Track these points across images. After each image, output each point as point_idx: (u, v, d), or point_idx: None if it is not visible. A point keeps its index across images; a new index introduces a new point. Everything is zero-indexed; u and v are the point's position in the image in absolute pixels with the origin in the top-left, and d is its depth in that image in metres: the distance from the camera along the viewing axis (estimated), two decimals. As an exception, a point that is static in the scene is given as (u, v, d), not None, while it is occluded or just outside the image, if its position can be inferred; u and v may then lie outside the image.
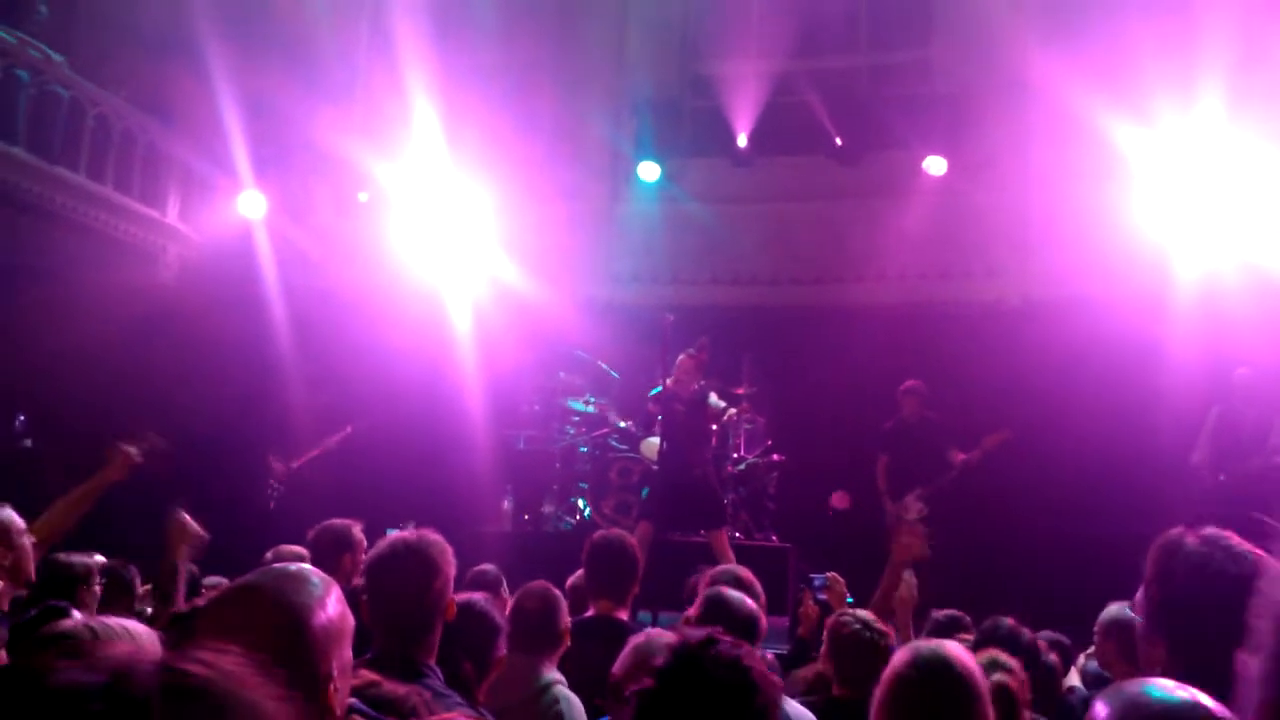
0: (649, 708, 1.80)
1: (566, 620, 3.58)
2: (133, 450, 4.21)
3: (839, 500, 7.90)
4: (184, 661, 0.82)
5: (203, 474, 8.19)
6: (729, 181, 10.40)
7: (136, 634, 1.96)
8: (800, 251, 10.26)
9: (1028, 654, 3.24)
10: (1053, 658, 3.61)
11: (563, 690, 3.35)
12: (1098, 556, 7.80)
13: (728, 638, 1.88)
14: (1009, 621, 3.55)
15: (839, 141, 10.01)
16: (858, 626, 3.48)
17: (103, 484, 4.17)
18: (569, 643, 3.56)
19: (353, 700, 1.74)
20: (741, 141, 10.21)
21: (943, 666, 2.24)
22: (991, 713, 2.26)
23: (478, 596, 2.94)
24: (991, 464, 8.20)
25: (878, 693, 2.30)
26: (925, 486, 8.28)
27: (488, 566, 4.72)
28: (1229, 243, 8.36)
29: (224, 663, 0.84)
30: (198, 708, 0.79)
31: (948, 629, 3.78)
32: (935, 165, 9.58)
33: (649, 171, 10.30)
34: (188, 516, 3.73)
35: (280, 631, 1.58)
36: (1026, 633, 3.51)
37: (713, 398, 7.51)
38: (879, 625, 3.54)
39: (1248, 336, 7.53)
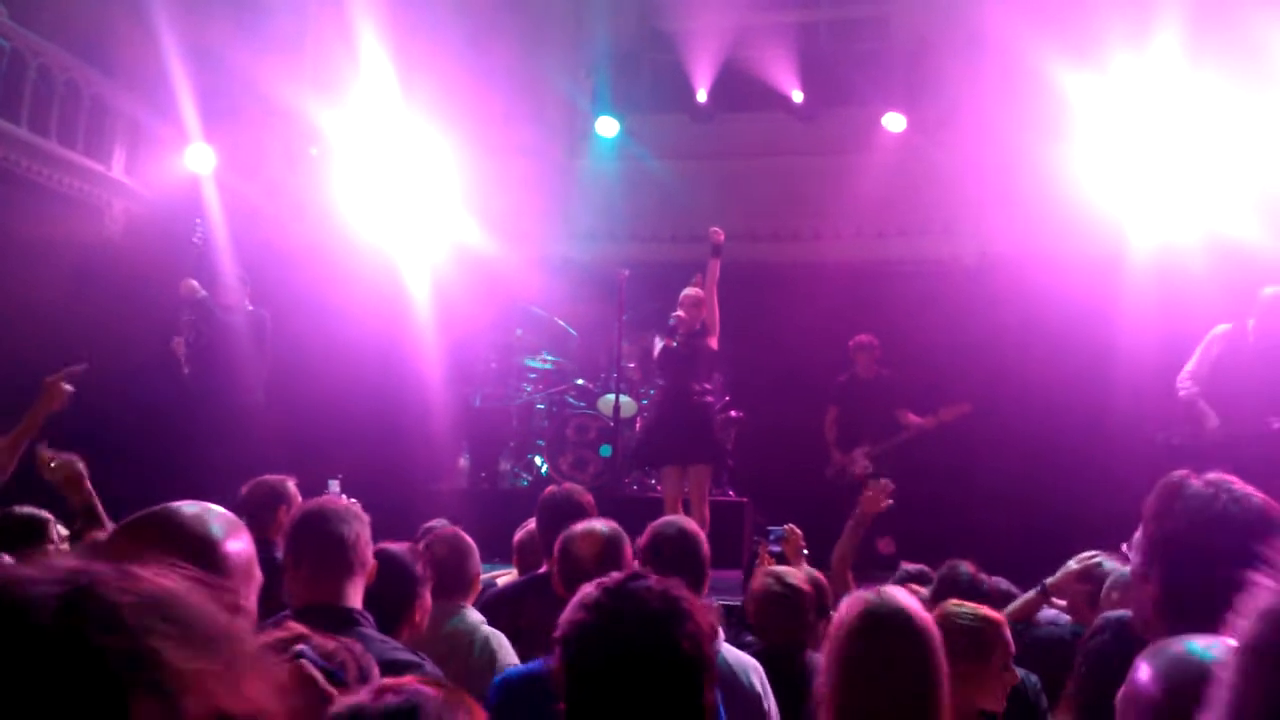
0: (580, 642, 1.79)
1: (478, 567, 3.59)
2: (61, 379, 4.14)
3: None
4: (137, 569, 0.78)
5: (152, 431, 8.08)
6: (688, 137, 10.32)
7: None
8: (758, 208, 10.21)
9: (988, 602, 3.26)
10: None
11: (491, 629, 3.38)
12: (1047, 511, 7.92)
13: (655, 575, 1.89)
14: (968, 568, 3.56)
15: (798, 97, 9.96)
16: (770, 581, 3.55)
17: (39, 418, 4.08)
18: (479, 588, 3.60)
19: (303, 647, 1.72)
20: (701, 97, 10.13)
21: (890, 614, 2.22)
22: (943, 658, 2.25)
23: (396, 545, 2.92)
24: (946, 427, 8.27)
25: (828, 645, 2.28)
26: (874, 444, 8.33)
27: (436, 522, 4.70)
28: (1188, 202, 8.41)
29: (175, 574, 0.80)
30: (154, 605, 0.74)
31: (909, 584, 3.80)
32: (894, 122, 9.56)
33: (607, 127, 10.21)
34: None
35: (193, 555, 1.52)
36: (986, 580, 3.52)
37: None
38: (793, 580, 3.60)
39: (1205, 293, 7.56)
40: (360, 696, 1.33)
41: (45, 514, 3.80)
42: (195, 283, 7.99)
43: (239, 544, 1.64)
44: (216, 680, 0.73)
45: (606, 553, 3.11)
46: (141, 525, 1.65)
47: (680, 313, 7.14)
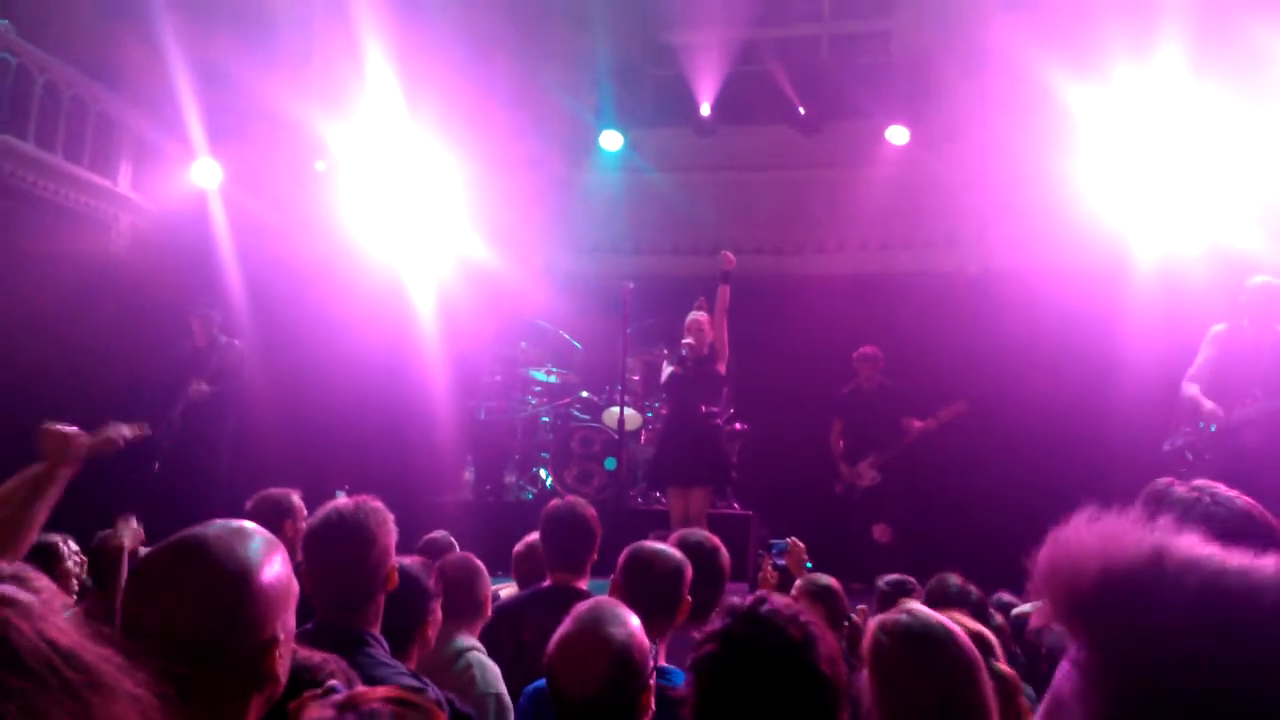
0: (714, 672, 1.79)
1: (488, 589, 3.59)
2: (121, 430, 4.03)
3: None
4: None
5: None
6: (691, 151, 10.35)
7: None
8: (762, 221, 10.24)
9: (976, 613, 3.24)
10: (999, 619, 3.63)
11: (477, 656, 3.36)
12: (1051, 520, 7.89)
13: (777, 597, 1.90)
14: (956, 579, 3.55)
15: (801, 111, 9.99)
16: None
17: (102, 448, 3.97)
18: (489, 613, 3.59)
19: (334, 683, 1.70)
20: (704, 110, 10.15)
21: (931, 633, 2.18)
22: (985, 672, 2.21)
23: (409, 560, 2.91)
24: (948, 431, 8.29)
25: (870, 665, 2.24)
26: (879, 454, 8.38)
27: (438, 534, 4.69)
28: (1191, 214, 8.40)
29: (22, 597, 0.78)
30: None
31: (895, 594, 3.79)
32: (897, 135, 9.58)
33: (611, 140, 10.23)
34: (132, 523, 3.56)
35: (223, 588, 1.51)
36: (975, 591, 3.51)
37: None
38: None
39: (1208, 304, 7.55)
40: (325, 712, 1.34)
41: (54, 537, 3.78)
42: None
43: (274, 569, 1.57)
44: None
45: (677, 575, 3.17)
46: (172, 558, 1.57)
47: (689, 339, 7.18)
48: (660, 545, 3.32)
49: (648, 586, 3.03)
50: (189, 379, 8.00)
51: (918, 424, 8.35)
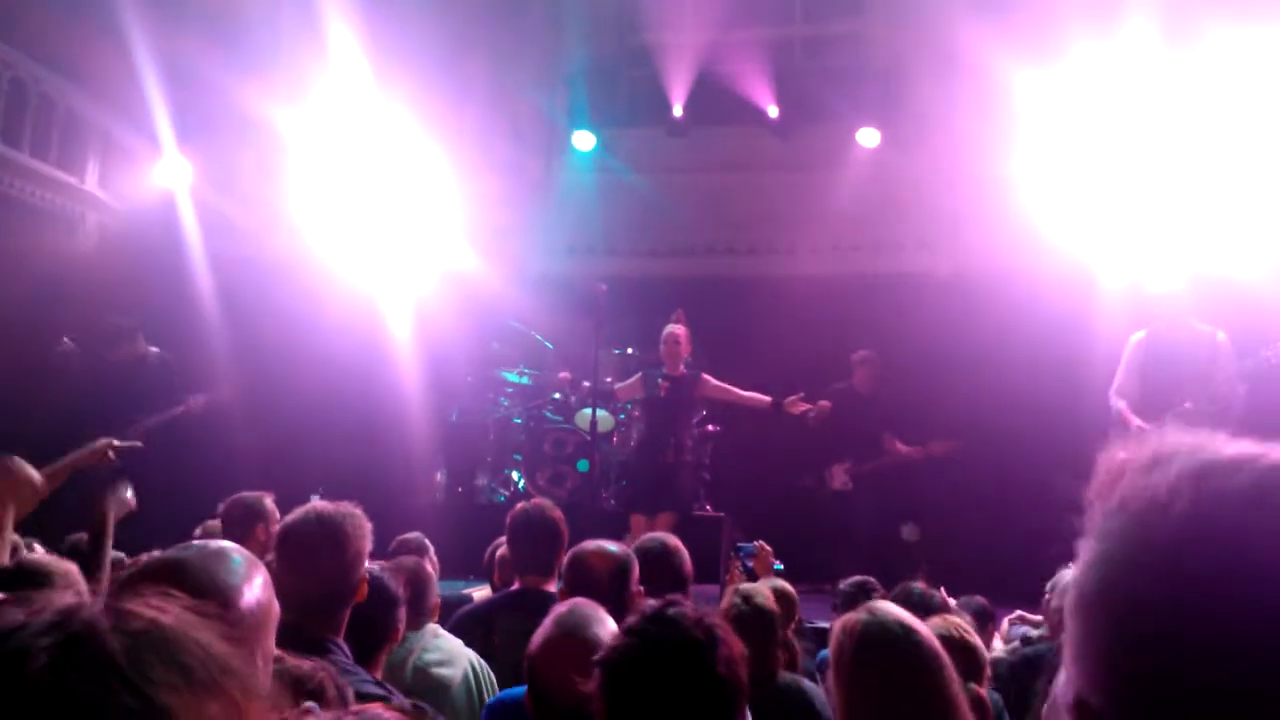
0: (622, 668, 1.84)
1: (436, 598, 3.59)
2: (112, 443, 4.07)
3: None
4: (132, 604, 0.75)
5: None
6: (664, 152, 10.34)
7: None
8: (734, 223, 10.25)
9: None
10: (968, 619, 3.65)
11: (472, 657, 3.36)
12: (1022, 527, 7.95)
13: (688, 601, 1.98)
14: (920, 586, 3.57)
15: (773, 113, 10.01)
16: (737, 602, 3.48)
17: (75, 465, 3.99)
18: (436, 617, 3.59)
19: (310, 704, 1.68)
20: (677, 111, 10.15)
21: (903, 633, 2.20)
22: (953, 673, 2.23)
23: (377, 566, 2.89)
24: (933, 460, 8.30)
25: (833, 667, 2.26)
26: (857, 463, 8.32)
27: (412, 535, 4.68)
28: (1161, 217, 8.47)
29: (171, 607, 0.77)
30: (150, 648, 0.71)
31: (857, 596, 3.81)
32: (868, 137, 9.62)
33: (584, 141, 10.22)
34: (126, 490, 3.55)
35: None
36: (938, 596, 3.53)
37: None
38: (760, 600, 3.52)
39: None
40: (325, 717, 1.34)
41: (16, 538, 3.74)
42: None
43: (255, 592, 1.56)
44: None
45: (619, 572, 3.17)
46: (150, 578, 1.56)
47: (666, 371, 7.26)
48: (603, 544, 3.32)
49: (591, 586, 3.02)
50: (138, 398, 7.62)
51: (903, 448, 8.29)
